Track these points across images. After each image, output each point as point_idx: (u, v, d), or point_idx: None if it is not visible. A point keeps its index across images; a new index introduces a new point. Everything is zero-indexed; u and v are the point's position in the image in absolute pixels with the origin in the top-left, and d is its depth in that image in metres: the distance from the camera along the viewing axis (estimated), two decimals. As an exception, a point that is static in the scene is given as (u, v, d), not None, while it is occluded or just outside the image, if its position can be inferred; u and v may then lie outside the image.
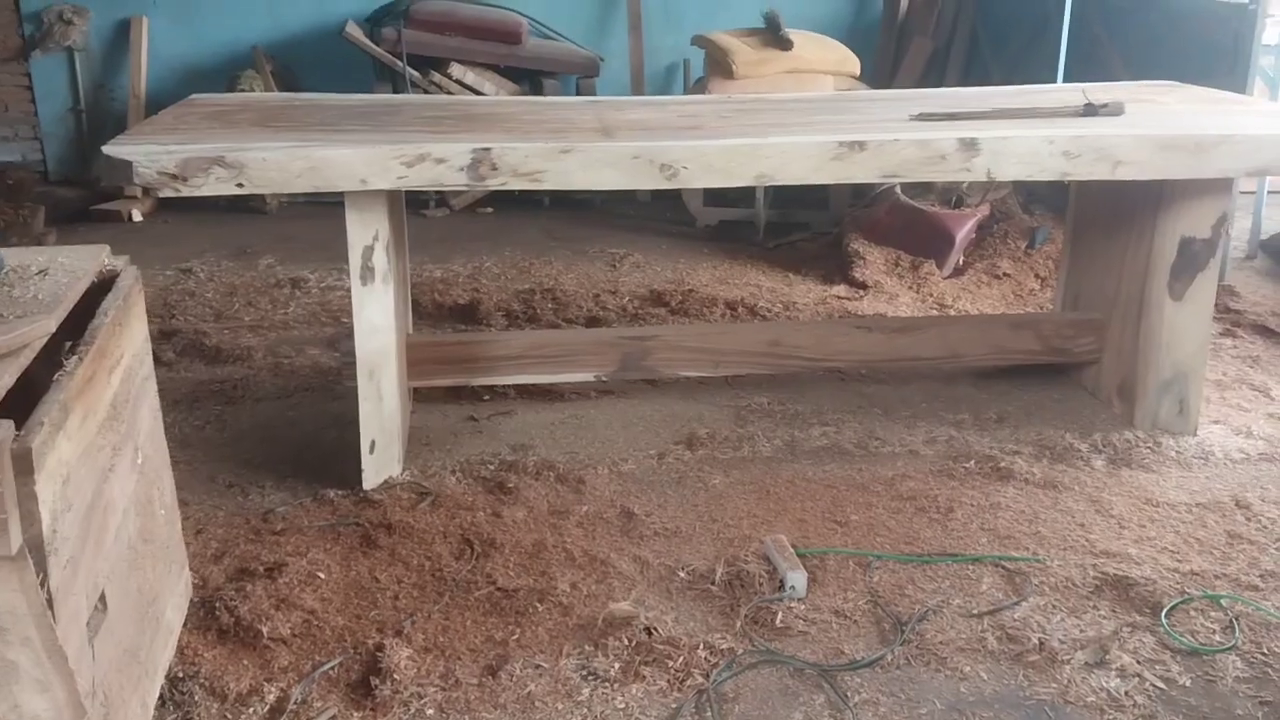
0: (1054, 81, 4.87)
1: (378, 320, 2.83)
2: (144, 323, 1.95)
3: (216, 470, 3.00)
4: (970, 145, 2.78)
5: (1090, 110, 3.08)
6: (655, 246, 5.21)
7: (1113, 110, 3.09)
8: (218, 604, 2.33)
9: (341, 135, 2.73)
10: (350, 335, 3.91)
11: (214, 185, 2.52)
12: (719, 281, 4.70)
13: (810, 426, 3.29)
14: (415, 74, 5.61)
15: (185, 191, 2.51)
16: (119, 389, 1.74)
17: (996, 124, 2.94)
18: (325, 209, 4.68)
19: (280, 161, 2.55)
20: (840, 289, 4.57)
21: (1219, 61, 4.43)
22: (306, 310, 4.28)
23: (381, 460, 2.90)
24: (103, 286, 1.86)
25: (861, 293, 4.50)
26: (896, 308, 4.35)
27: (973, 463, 3.06)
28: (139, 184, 2.48)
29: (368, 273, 2.78)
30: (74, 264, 1.85)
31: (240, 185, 2.54)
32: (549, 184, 2.70)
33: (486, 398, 3.45)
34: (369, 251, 2.76)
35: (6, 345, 1.46)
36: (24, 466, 1.33)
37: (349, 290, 2.86)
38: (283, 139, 2.66)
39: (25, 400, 1.45)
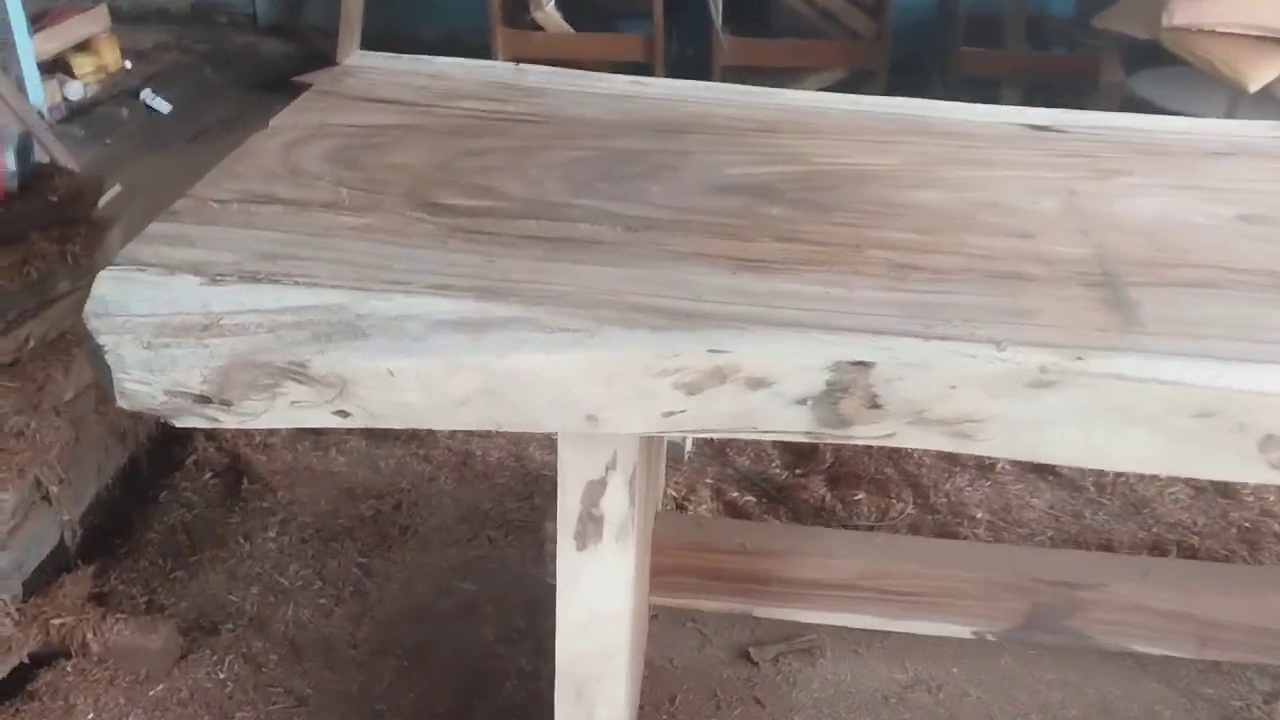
0: None
1: (602, 605, 1.48)
2: None
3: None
4: None
5: None
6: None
7: None
8: None
9: (569, 261, 1.31)
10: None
11: (280, 416, 1.18)
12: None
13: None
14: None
15: (231, 425, 1.19)
16: None
17: None
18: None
19: (430, 375, 1.17)
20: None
21: None
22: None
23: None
24: None
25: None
26: None
27: None
28: (125, 407, 1.18)
29: (589, 527, 1.42)
30: None
31: (344, 415, 1.19)
32: (986, 449, 1.23)
33: (773, 603, 2.09)
34: (595, 491, 1.40)
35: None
36: None
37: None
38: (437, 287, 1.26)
39: None
